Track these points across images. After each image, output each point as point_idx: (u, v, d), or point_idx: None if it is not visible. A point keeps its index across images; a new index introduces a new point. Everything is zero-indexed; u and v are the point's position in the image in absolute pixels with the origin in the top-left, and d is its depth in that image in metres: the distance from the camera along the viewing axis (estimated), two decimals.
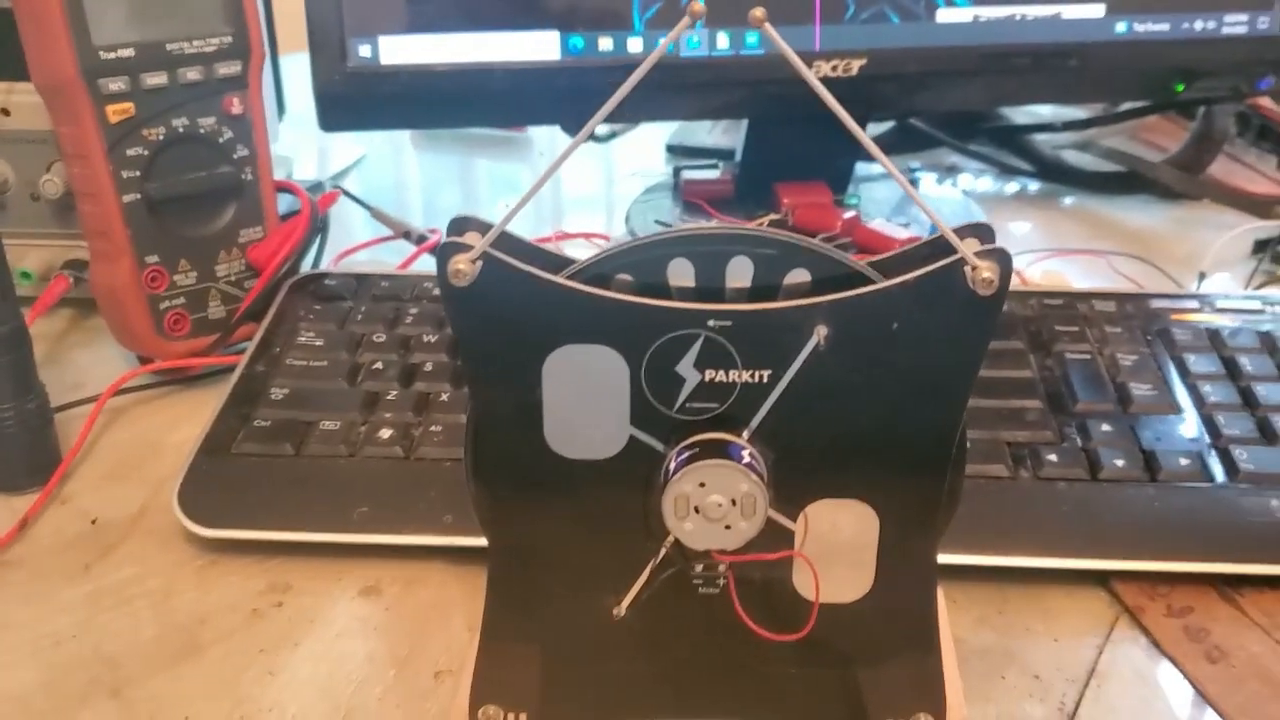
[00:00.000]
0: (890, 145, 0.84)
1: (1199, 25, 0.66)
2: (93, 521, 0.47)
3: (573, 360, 0.30)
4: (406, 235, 0.68)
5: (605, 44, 0.62)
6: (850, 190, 0.72)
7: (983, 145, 0.83)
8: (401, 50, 0.61)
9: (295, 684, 0.39)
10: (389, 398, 0.50)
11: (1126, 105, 0.81)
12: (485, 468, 0.32)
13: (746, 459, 0.30)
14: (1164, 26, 0.66)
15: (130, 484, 0.49)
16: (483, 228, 0.30)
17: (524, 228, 0.74)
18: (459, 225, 0.30)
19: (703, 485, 0.30)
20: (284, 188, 0.61)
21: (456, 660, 0.40)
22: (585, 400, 0.31)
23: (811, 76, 0.27)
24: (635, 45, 0.62)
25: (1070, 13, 0.65)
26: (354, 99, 0.61)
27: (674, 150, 0.88)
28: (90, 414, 0.52)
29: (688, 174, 0.76)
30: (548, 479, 0.32)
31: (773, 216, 0.69)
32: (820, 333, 0.30)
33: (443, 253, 0.29)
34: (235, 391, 0.50)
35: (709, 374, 0.30)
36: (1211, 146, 0.75)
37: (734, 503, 0.30)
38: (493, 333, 0.30)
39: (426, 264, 0.66)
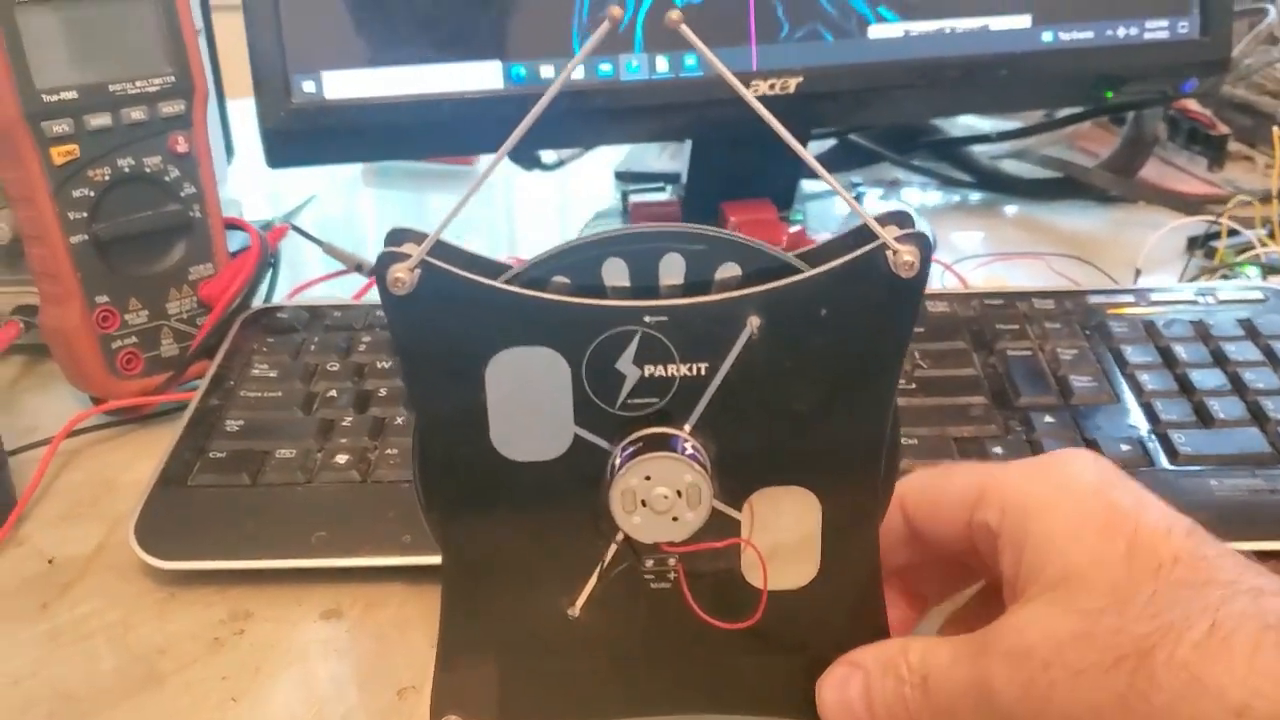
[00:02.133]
0: (833, 162, 0.86)
1: (1122, 32, 0.68)
2: (50, 561, 0.47)
3: (514, 363, 0.31)
4: (358, 268, 0.68)
5: (547, 71, 0.63)
6: (795, 207, 0.74)
7: (923, 159, 0.85)
8: (346, 84, 0.62)
9: (258, 708, 0.39)
10: (344, 424, 0.50)
11: (1060, 114, 0.83)
12: (433, 475, 0.33)
13: (689, 450, 0.31)
14: (1088, 34, 0.68)
15: (87, 522, 0.49)
16: (420, 239, 0.31)
17: None
18: (397, 237, 0.31)
19: (648, 479, 0.31)
20: (233, 224, 0.61)
21: (419, 676, 0.40)
22: (529, 402, 0.31)
23: (725, 70, 0.28)
24: (576, 72, 0.63)
25: (998, 24, 0.67)
26: (300, 134, 0.62)
27: (623, 176, 0.89)
28: (44, 456, 0.52)
29: (635, 198, 0.77)
30: (495, 483, 0.32)
31: None
32: (753, 323, 0.30)
33: (381, 263, 0.29)
34: (190, 425, 0.51)
35: (648, 369, 0.31)
36: (1142, 149, 0.77)
37: (679, 494, 0.31)
38: (434, 340, 0.31)
39: (378, 294, 0.66)
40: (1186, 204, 0.74)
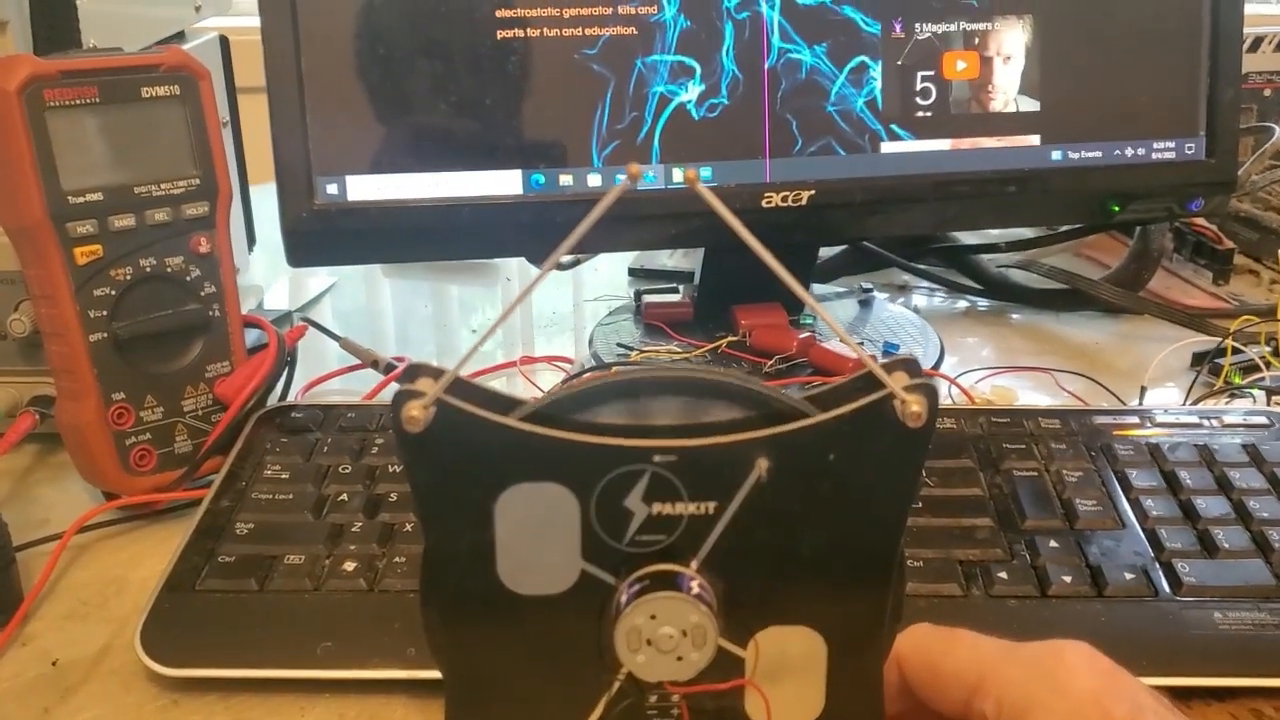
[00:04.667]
0: (843, 266, 0.87)
1: (1130, 152, 0.70)
2: (53, 663, 0.47)
3: (524, 498, 0.31)
4: (374, 364, 0.69)
5: (566, 180, 0.65)
6: (805, 311, 0.74)
7: (932, 265, 0.86)
8: (369, 188, 0.63)
9: None
10: (354, 529, 0.50)
11: (1067, 226, 0.84)
12: (439, 605, 0.33)
13: (696, 590, 0.31)
14: (1097, 154, 0.69)
15: (92, 623, 0.49)
16: (435, 374, 0.31)
17: (491, 353, 0.76)
18: (411, 373, 0.31)
19: (654, 618, 0.31)
20: (251, 322, 0.62)
21: None
22: (537, 537, 0.32)
23: (739, 225, 0.29)
24: (594, 180, 0.65)
25: (1008, 142, 0.69)
26: (321, 235, 0.63)
27: (636, 273, 0.90)
28: (53, 553, 0.52)
29: (649, 298, 0.78)
30: (501, 614, 0.32)
31: (730, 339, 0.71)
32: (762, 465, 0.31)
33: (396, 401, 0.30)
34: (200, 527, 0.51)
35: (657, 507, 0.31)
36: (1149, 264, 0.78)
37: (685, 634, 0.31)
38: (446, 475, 0.31)
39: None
40: (1191, 319, 0.75)
